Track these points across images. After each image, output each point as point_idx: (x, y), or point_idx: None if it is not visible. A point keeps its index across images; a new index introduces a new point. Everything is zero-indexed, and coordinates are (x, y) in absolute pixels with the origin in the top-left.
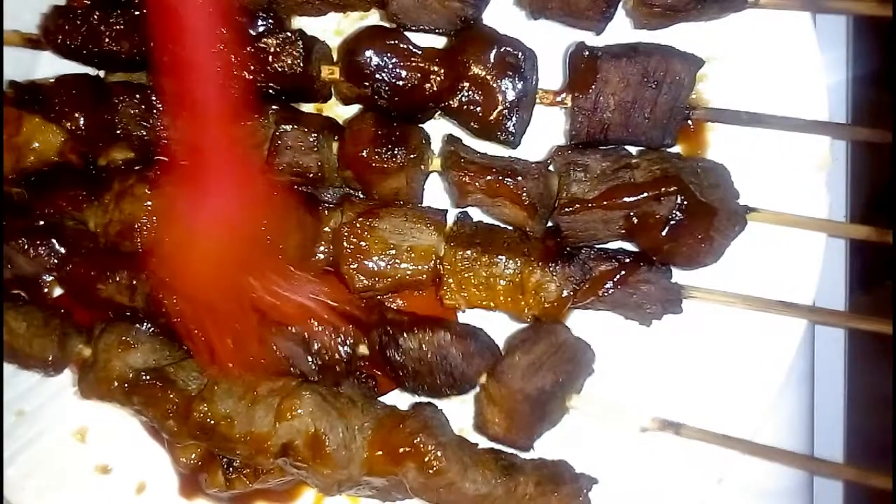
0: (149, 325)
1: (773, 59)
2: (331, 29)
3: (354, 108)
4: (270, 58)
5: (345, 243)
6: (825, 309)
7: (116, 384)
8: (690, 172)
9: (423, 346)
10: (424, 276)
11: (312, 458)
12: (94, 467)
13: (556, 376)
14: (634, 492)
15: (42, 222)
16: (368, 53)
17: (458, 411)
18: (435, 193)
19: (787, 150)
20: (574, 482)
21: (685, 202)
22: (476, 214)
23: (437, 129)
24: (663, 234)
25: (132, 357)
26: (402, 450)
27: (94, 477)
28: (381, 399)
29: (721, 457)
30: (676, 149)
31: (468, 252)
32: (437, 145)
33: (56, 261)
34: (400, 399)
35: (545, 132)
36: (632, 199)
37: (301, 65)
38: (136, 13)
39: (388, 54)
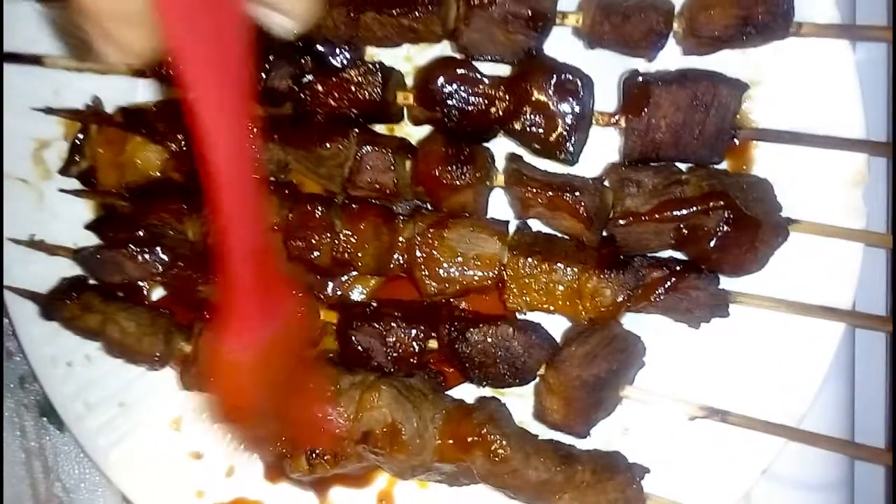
0: None
1: (813, 82)
2: (401, 55)
3: (424, 128)
4: (353, 87)
5: (417, 252)
6: (862, 313)
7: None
8: (736, 188)
9: (488, 338)
10: (489, 281)
11: (390, 445)
12: (187, 453)
13: (610, 364)
14: (682, 480)
15: (144, 232)
16: (440, 82)
17: (518, 406)
18: (498, 206)
19: (826, 166)
20: (627, 471)
21: (731, 216)
22: (535, 225)
23: (501, 147)
24: (711, 245)
25: None
26: (470, 439)
27: (188, 462)
28: (448, 393)
29: (765, 448)
30: (724, 165)
31: (529, 259)
32: (500, 162)
33: (160, 267)
34: (464, 392)
35: (601, 150)
36: (682, 212)
37: (380, 93)
38: None
39: (458, 82)
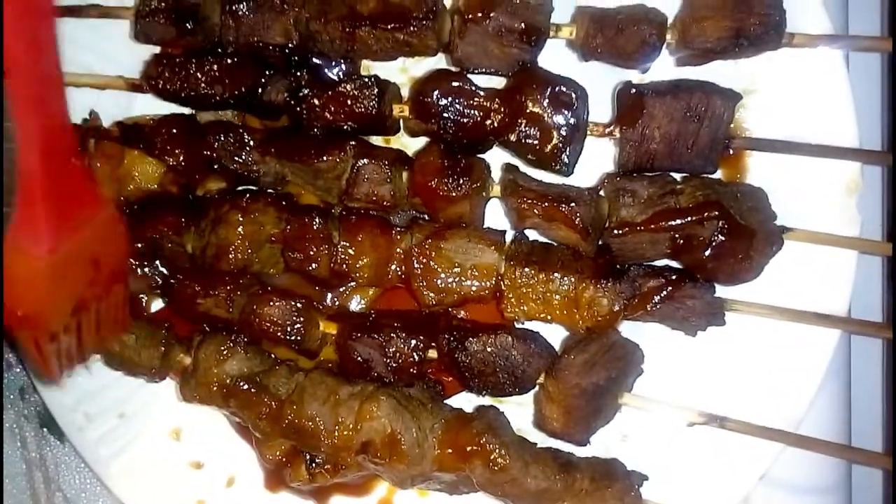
0: (242, 336)
1: (806, 91)
2: (396, 67)
3: (420, 139)
4: (349, 101)
5: (415, 263)
6: (857, 319)
7: (215, 390)
8: (731, 197)
9: (487, 348)
10: (486, 291)
11: (389, 455)
12: (188, 463)
13: (609, 372)
14: (680, 486)
15: (142, 245)
16: (436, 95)
17: (517, 414)
18: (495, 216)
19: (820, 174)
20: (626, 478)
21: (726, 225)
22: (532, 234)
23: (497, 157)
24: (706, 254)
25: (228, 365)
26: (469, 448)
27: (188, 472)
28: (448, 402)
29: (763, 454)
30: (718, 174)
31: (526, 269)
32: (496, 172)
33: (160, 280)
34: (463, 401)
35: (596, 160)
36: (676, 222)
37: (376, 106)
38: (228, 61)
39: (453, 95)
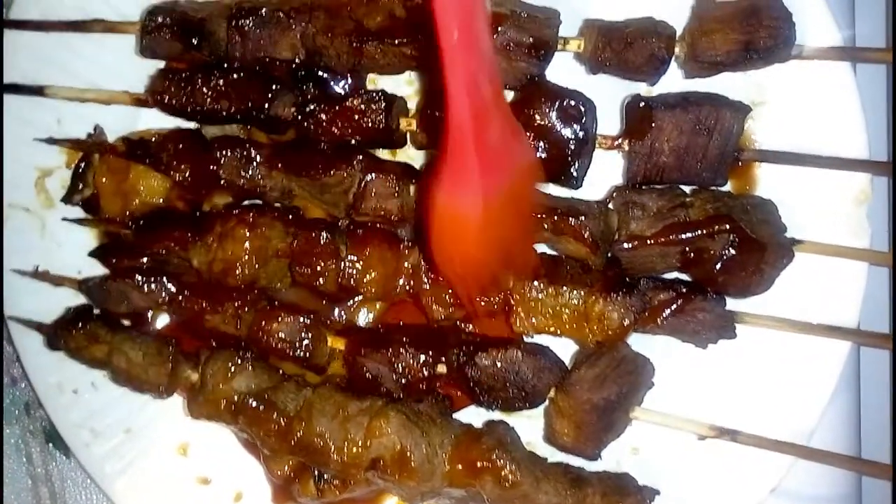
0: (249, 352)
1: (815, 102)
2: (403, 78)
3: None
4: (356, 115)
5: (423, 277)
6: (867, 331)
7: (223, 406)
8: (741, 210)
9: (497, 363)
10: (496, 305)
11: (399, 471)
12: (195, 479)
13: (620, 387)
14: (692, 500)
15: (148, 260)
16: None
17: (526, 427)
18: None
19: (830, 185)
20: (637, 493)
21: (737, 239)
22: (540, 246)
23: None
24: (717, 268)
25: (236, 382)
26: (479, 464)
27: (195, 487)
28: (456, 416)
29: (774, 466)
30: (727, 186)
31: (535, 283)
32: None
33: (167, 296)
34: (472, 415)
35: (604, 172)
36: (687, 236)
37: (383, 120)
38: (234, 76)
39: None
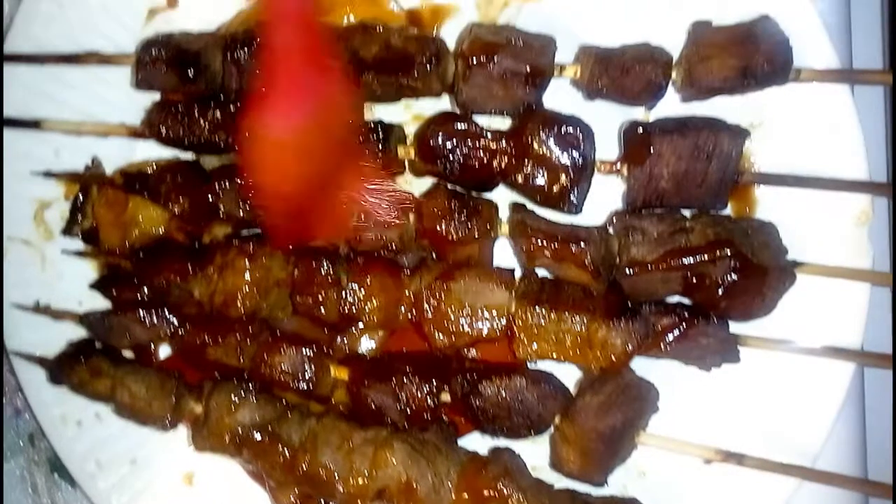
0: (253, 384)
1: (814, 124)
2: (399, 103)
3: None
4: None
5: (425, 305)
6: (870, 353)
7: (228, 439)
8: (741, 234)
9: (501, 391)
10: (498, 332)
11: (405, 502)
12: None
13: (625, 414)
14: None
15: (149, 291)
16: (440, 137)
17: (531, 451)
18: (504, 250)
19: (830, 205)
20: None
21: (738, 264)
22: (541, 270)
23: (504, 194)
24: (719, 294)
25: (241, 414)
26: (486, 493)
27: None
28: (461, 440)
29: (780, 489)
30: (727, 207)
31: (537, 309)
32: (503, 209)
33: (169, 329)
34: (477, 440)
35: (604, 196)
36: (688, 261)
37: (381, 150)
38: (230, 107)
39: (458, 138)
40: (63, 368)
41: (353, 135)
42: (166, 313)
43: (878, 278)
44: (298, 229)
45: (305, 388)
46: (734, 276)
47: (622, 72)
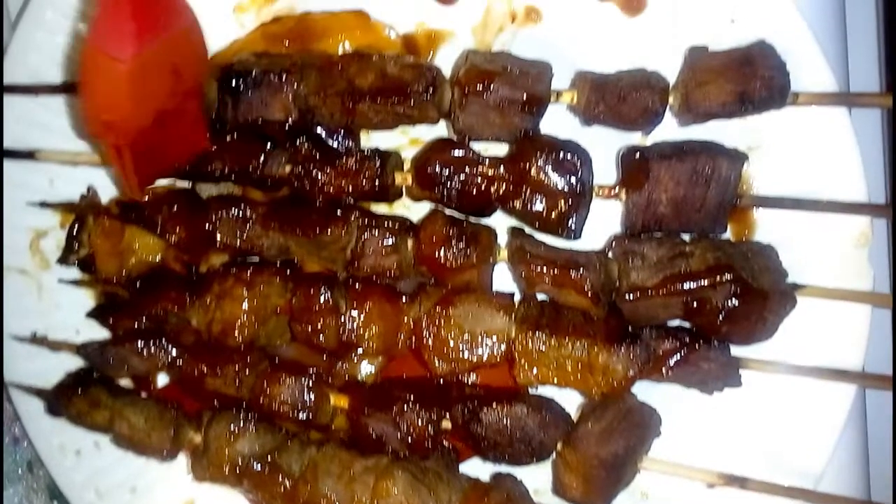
0: (252, 413)
1: (812, 146)
2: (397, 130)
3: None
4: (352, 175)
5: (424, 332)
6: (872, 374)
7: (228, 469)
8: (741, 258)
9: (503, 418)
10: (499, 357)
11: None
12: None
13: (627, 440)
14: None
15: (146, 320)
16: (438, 165)
17: (532, 474)
18: (503, 274)
19: (829, 227)
20: None
21: (738, 289)
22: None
23: (503, 219)
24: (720, 319)
25: (240, 444)
26: None
27: None
28: (463, 465)
29: None
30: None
31: (537, 334)
32: (502, 233)
33: (167, 359)
34: (478, 466)
35: (603, 220)
36: (688, 286)
37: (377, 178)
38: (226, 136)
39: (456, 165)
40: (61, 400)
41: (197, 73)
42: (164, 343)
43: (878, 300)
44: (148, 164)
45: (305, 417)
46: (735, 302)
47: (619, 99)
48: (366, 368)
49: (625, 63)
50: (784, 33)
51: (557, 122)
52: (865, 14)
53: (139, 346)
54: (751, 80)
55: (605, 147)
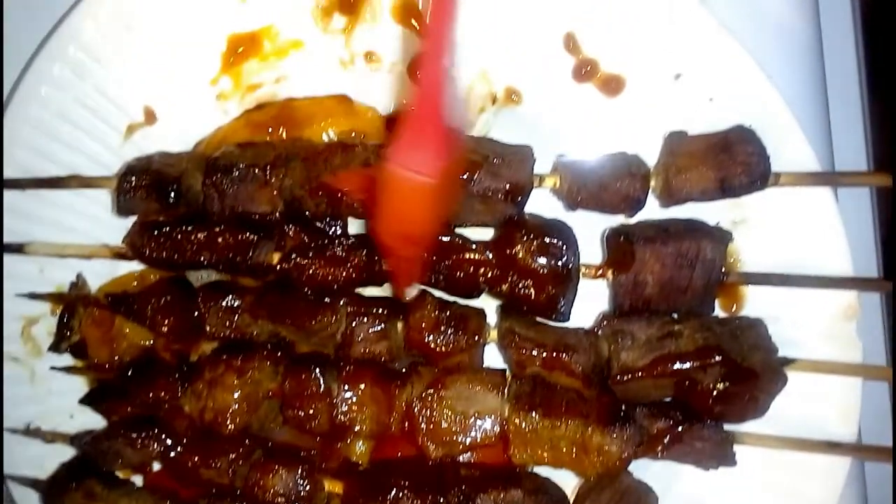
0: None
1: (797, 221)
2: None
3: None
4: (338, 262)
5: (418, 416)
6: (867, 445)
7: None
8: (730, 336)
9: None
10: (493, 438)
11: None
12: None
13: None
14: None
15: (140, 408)
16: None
17: None
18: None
19: (817, 301)
20: None
21: (728, 371)
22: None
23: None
24: (711, 399)
25: None
26: None
27: None
28: None
29: None
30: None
31: (531, 414)
32: (490, 310)
33: (161, 449)
34: None
35: (591, 299)
36: (678, 367)
37: (365, 265)
38: (215, 228)
39: (442, 251)
40: (56, 493)
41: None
42: (157, 433)
43: (871, 373)
44: (415, 267)
45: None
46: (725, 384)
47: (600, 187)
48: (360, 447)
49: (606, 141)
50: (762, 111)
51: (543, 199)
52: (847, 84)
53: (132, 436)
54: (730, 166)
55: (590, 224)
